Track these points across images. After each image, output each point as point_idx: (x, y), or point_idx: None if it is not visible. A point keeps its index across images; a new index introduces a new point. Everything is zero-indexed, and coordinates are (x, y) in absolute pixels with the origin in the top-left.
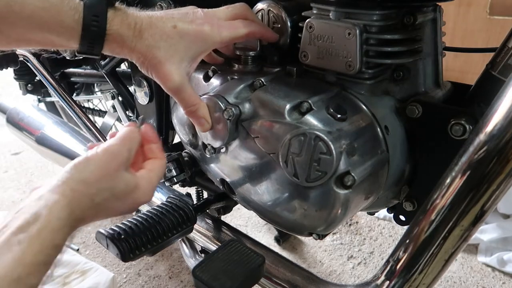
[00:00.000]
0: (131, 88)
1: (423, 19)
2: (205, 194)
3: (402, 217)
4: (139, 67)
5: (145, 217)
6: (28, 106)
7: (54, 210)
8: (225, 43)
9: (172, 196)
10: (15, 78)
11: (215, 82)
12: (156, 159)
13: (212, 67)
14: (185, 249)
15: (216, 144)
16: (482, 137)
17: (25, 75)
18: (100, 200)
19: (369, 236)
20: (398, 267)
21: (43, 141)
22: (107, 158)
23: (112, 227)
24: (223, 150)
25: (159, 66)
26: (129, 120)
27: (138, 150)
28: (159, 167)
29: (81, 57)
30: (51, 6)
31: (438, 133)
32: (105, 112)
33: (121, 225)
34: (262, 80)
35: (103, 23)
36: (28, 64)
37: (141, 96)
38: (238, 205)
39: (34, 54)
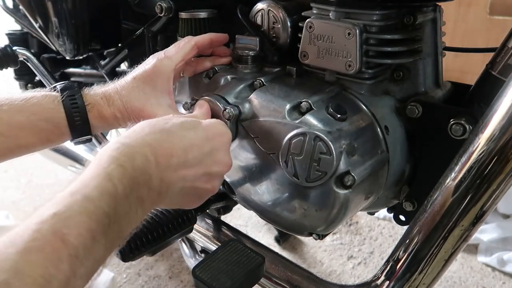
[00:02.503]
0: None
1: (423, 19)
2: None
3: (402, 217)
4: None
5: (145, 217)
6: None
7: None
8: (180, 62)
9: None
10: (15, 78)
11: (215, 82)
12: None
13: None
14: (185, 249)
15: None
16: (482, 137)
17: (25, 75)
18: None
19: (369, 236)
20: (398, 267)
21: None
22: None
23: None
24: None
25: (143, 114)
26: None
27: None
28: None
29: (81, 57)
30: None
31: (438, 133)
32: None
33: None
34: (262, 80)
35: (80, 99)
36: (28, 64)
37: None
38: (238, 205)
39: (34, 54)
